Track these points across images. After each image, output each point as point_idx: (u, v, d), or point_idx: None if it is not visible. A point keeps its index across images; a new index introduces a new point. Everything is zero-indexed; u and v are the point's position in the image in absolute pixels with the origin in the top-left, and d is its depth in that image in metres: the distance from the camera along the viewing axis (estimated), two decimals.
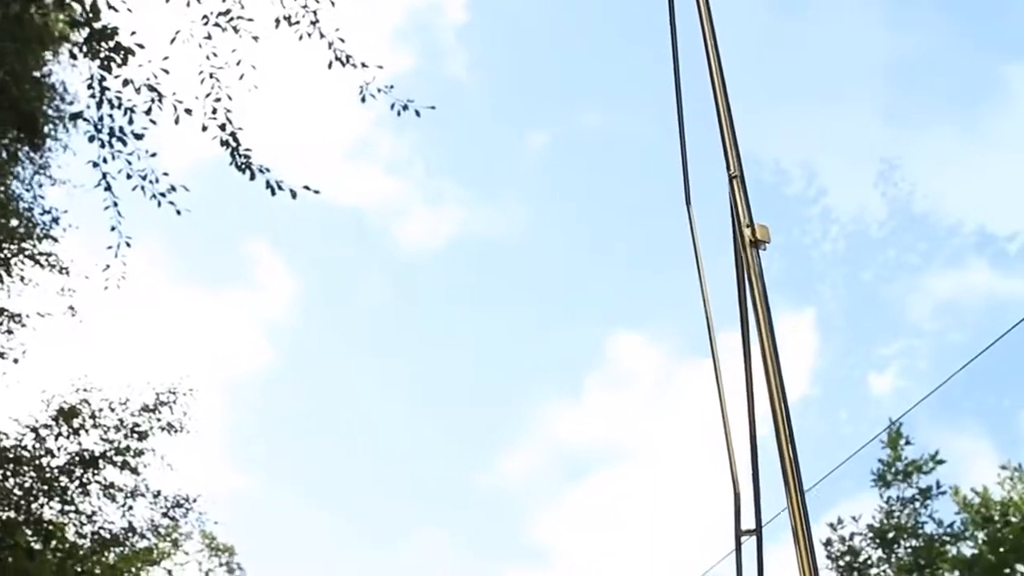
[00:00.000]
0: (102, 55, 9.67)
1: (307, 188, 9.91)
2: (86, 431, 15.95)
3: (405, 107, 10.26)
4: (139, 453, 16.35)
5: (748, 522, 2.91)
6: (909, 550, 20.24)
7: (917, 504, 20.48)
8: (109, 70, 9.72)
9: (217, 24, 10.04)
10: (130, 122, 9.97)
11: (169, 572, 20.77)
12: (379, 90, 10.30)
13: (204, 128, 9.94)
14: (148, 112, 9.88)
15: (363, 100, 10.36)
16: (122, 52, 9.62)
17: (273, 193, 9.84)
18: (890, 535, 20.31)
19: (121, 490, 16.33)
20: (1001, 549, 19.31)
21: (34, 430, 15.52)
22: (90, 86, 9.93)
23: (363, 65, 10.26)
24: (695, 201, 2.94)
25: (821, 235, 21.50)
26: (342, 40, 10.23)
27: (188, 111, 9.90)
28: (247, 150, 9.95)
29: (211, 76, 10.06)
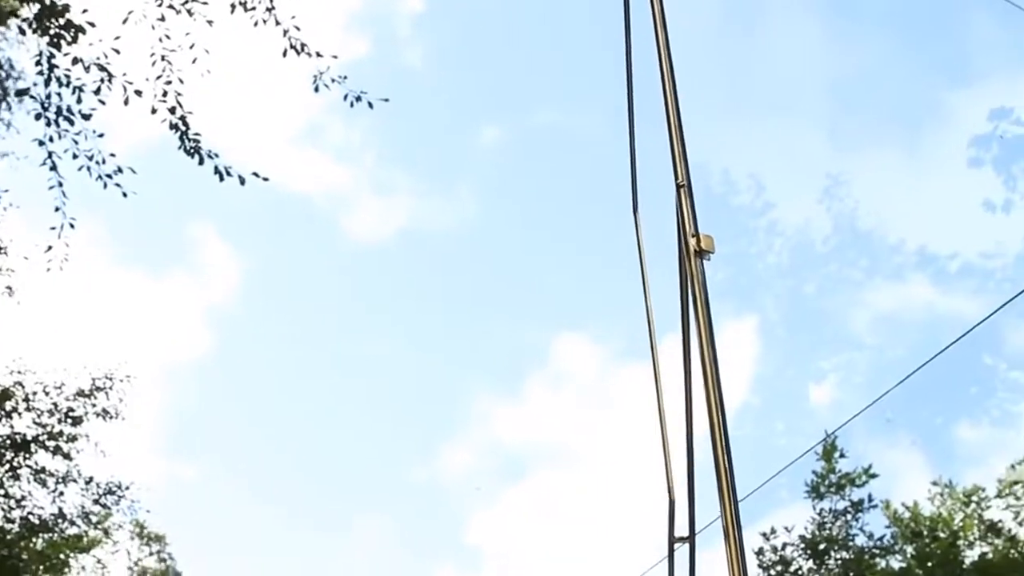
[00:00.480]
0: (52, 32, 9.52)
1: (256, 175, 9.84)
2: (19, 414, 15.71)
3: (358, 98, 10.21)
4: (72, 438, 16.14)
5: (682, 529, 2.92)
6: (839, 562, 20.46)
7: (849, 516, 20.72)
8: (59, 47, 9.58)
9: (171, 6, 9.93)
10: (78, 101, 9.82)
11: (99, 560, 20.53)
12: (333, 80, 10.24)
13: (154, 111, 9.83)
14: (97, 92, 9.74)
15: (316, 90, 10.30)
16: (73, 30, 9.48)
17: (221, 179, 9.75)
18: (821, 546, 20.53)
19: (52, 475, 16.11)
20: (929, 564, 19.59)
21: None
22: (38, 63, 9.78)
23: (318, 55, 10.20)
24: (642, 207, 2.95)
25: (766, 247, 21.73)
26: (297, 28, 10.16)
27: (138, 93, 9.77)
28: (196, 134, 9.85)
29: (163, 59, 9.94)
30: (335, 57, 10.30)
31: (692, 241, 2.21)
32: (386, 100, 10.36)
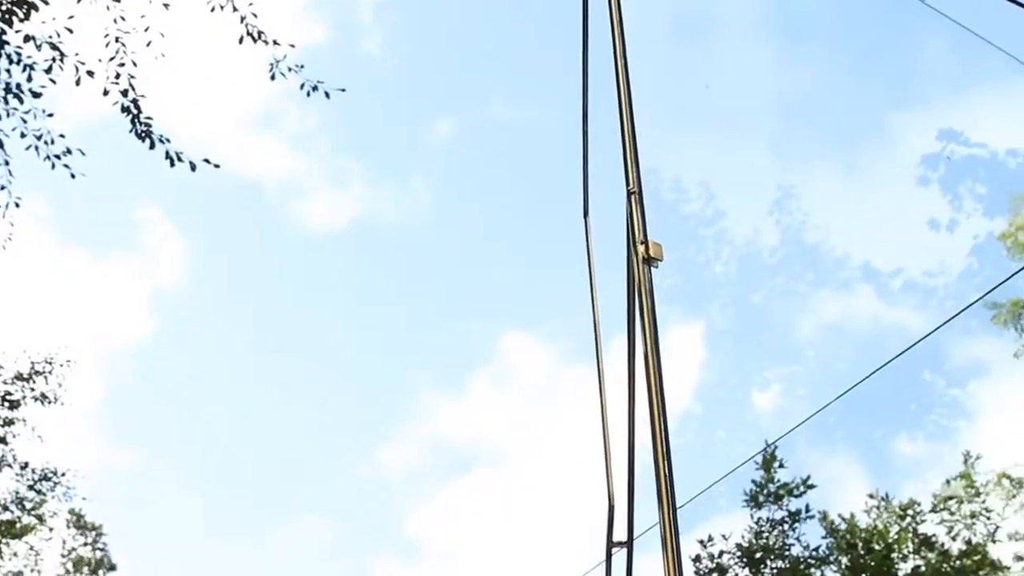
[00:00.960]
0: (4, 7, 9.37)
1: (207, 162, 9.74)
2: None
3: (315, 88, 10.13)
4: (8, 422, 15.91)
5: (621, 533, 2.93)
6: (775, 571, 20.63)
7: (786, 526, 20.90)
8: (10, 24, 9.43)
9: None
10: (29, 79, 9.67)
11: (31, 548, 20.22)
12: (290, 69, 10.16)
13: (106, 92, 9.70)
14: (48, 71, 9.60)
15: (272, 78, 10.22)
16: (25, 6, 9.34)
17: (172, 164, 9.64)
18: (758, 555, 20.69)
19: None
20: (862, 575, 19.80)
21: None
22: None
23: (275, 43, 10.11)
24: (594, 210, 2.95)
25: (715, 256, 21.87)
26: (255, 15, 10.07)
27: (90, 73, 9.64)
28: (148, 118, 9.73)
29: (117, 40, 9.81)
30: (292, 46, 10.23)
31: (641, 248, 2.21)
32: (342, 90, 10.29)
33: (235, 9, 10.02)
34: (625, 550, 2.94)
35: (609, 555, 3.02)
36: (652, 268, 2.24)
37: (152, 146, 9.62)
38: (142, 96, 9.74)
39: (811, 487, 20.91)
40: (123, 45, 9.80)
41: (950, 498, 19.92)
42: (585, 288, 2.87)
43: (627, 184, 2.29)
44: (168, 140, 9.68)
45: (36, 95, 9.71)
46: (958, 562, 19.41)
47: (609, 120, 2.52)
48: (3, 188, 10.11)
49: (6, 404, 15.72)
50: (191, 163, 9.61)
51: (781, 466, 21.07)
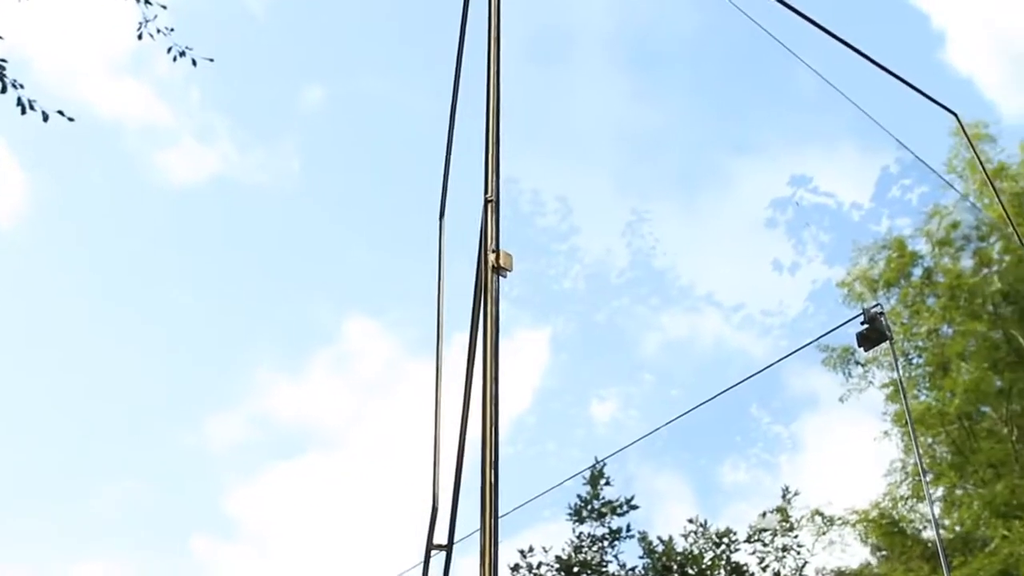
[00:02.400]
0: None
1: (61, 114, 9.41)
2: None
3: (183, 53, 9.91)
4: None
5: (441, 536, 2.92)
6: None
7: (606, 543, 21.24)
8: None
9: None
10: None
11: None
12: (159, 31, 9.92)
13: None
14: None
15: (140, 38, 9.96)
16: None
17: (24, 112, 9.29)
18: (575, 569, 20.96)
19: None
20: None
21: None
22: None
23: (147, 2, 9.85)
24: (453, 211, 2.95)
25: (564, 271, 22.09)
26: None
27: None
28: (2, 60, 9.36)
29: None
30: (164, 7, 9.97)
31: (492, 257, 2.22)
32: (211, 60, 10.10)
33: None
34: (444, 553, 2.93)
35: (428, 557, 3.01)
36: (501, 277, 2.25)
37: (3, 89, 9.26)
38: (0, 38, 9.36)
39: (634, 507, 21.30)
40: None
41: (764, 530, 20.53)
42: (434, 284, 2.87)
43: (485, 192, 2.30)
44: (22, 85, 9.33)
45: None
46: None
47: (477, 124, 2.52)
48: None
49: None
50: (44, 113, 9.28)
51: (608, 483, 21.42)
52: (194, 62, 9.87)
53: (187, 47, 9.86)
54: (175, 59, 9.86)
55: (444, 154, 2.88)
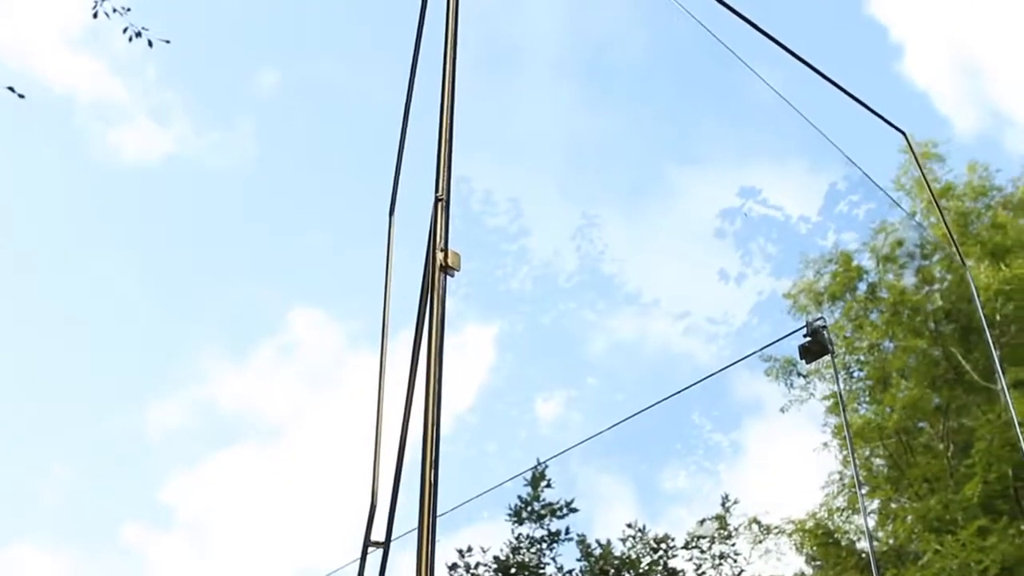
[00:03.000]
0: None
1: (11, 90, 9.25)
2: None
3: (139, 34, 9.76)
4: None
5: (379, 533, 2.91)
6: None
7: (544, 545, 21.28)
8: None
9: None
10: None
11: None
12: (115, 10, 9.76)
13: None
14: None
15: (95, 16, 9.81)
16: None
17: None
18: (512, 571, 20.98)
19: None
20: None
21: None
22: None
23: None
24: (404, 208, 2.94)
25: (513, 272, 22.11)
26: None
27: None
28: None
29: None
30: None
31: (440, 255, 2.22)
32: (167, 42, 9.96)
33: None
34: (381, 551, 2.93)
35: (364, 553, 3.00)
36: (448, 276, 2.25)
37: None
38: None
39: (574, 510, 21.36)
40: None
41: (702, 537, 20.67)
42: (382, 278, 2.86)
43: (436, 190, 2.30)
44: None
45: None
46: None
47: (430, 122, 2.52)
48: None
49: None
50: None
51: (549, 485, 21.45)
52: (150, 43, 9.73)
53: (143, 27, 9.73)
54: (131, 39, 9.72)
55: (396, 151, 2.88)
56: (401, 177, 2.95)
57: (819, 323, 4.20)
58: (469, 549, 21.11)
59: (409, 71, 2.95)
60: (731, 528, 20.31)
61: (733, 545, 20.31)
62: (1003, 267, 16.84)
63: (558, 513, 21.51)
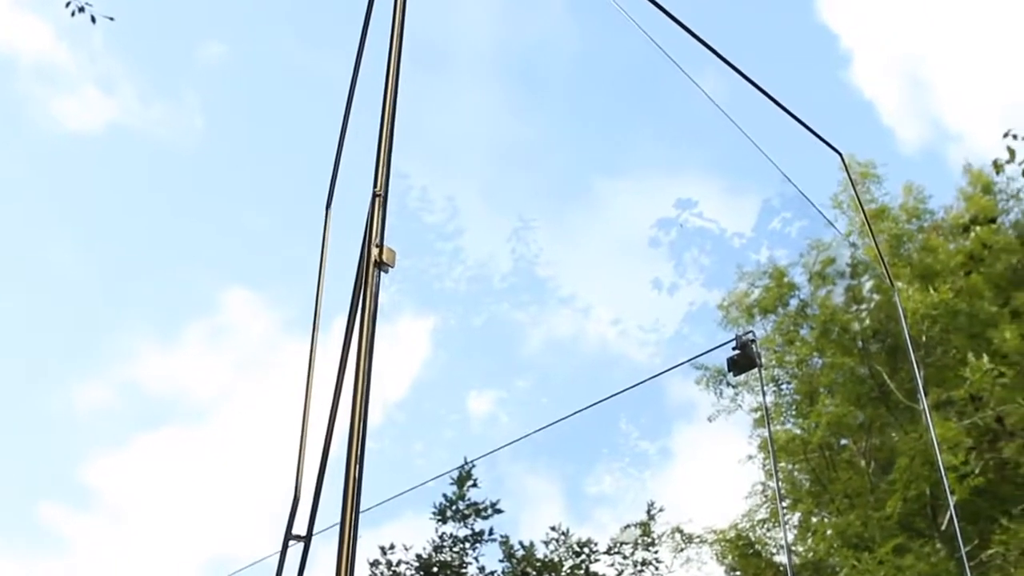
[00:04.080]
0: None
1: None
2: None
3: (82, 9, 9.58)
4: None
5: (301, 527, 2.90)
6: None
7: (467, 545, 21.28)
8: None
9: None
10: None
11: None
12: None
13: None
14: None
15: None
16: None
17: None
18: (434, 569, 20.95)
19: None
20: None
21: None
22: None
23: None
24: (338, 202, 2.93)
25: (447, 270, 22.08)
26: None
27: None
28: None
29: None
30: None
31: (375, 251, 2.21)
32: (111, 19, 9.80)
33: None
34: (302, 545, 2.91)
35: (285, 547, 2.98)
36: (383, 273, 2.24)
37: None
38: None
39: (499, 511, 21.38)
40: None
41: (625, 543, 20.80)
42: (316, 266, 2.85)
43: (374, 185, 2.29)
44: None
45: None
46: None
47: (373, 112, 2.51)
48: None
49: None
50: None
51: (475, 485, 21.46)
52: (93, 19, 9.57)
53: (87, 2, 9.54)
54: (72, 14, 9.55)
55: (337, 143, 2.86)
56: (340, 168, 2.93)
57: (748, 336, 4.25)
58: (391, 546, 21.06)
59: (354, 60, 2.94)
60: (654, 535, 20.46)
61: (655, 552, 20.44)
62: (931, 291, 17.16)
63: (483, 513, 21.52)
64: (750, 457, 18.30)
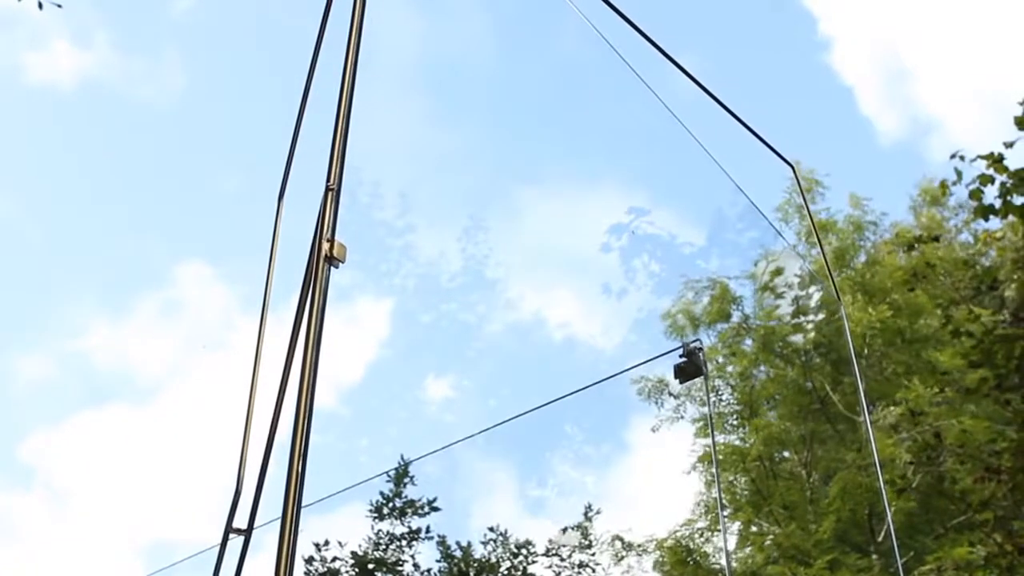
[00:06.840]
0: None
1: None
2: None
3: None
4: None
5: (241, 521, 2.87)
6: None
7: (404, 543, 21.21)
8: None
9: None
10: None
11: None
12: None
13: None
14: None
15: None
16: None
17: None
18: (370, 566, 20.87)
19: None
20: None
21: None
22: None
23: None
24: (291, 193, 2.90)
25: (396, 267, 22.05)
26: None
27: None
28: None
29: None
30: None
31: (326, 246, 2.20)
32: (59, 6, 9.64)
33: None
34: (242, 539, 2.87)
35: (225, 540, 2.94)
36: (333, 268, 2.22)
37: None
38: None
39: (436, 509, 21.32)
40: None
41: (563, 545, 20.84)
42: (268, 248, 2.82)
43: (328, 179, 2.27)
44: None
45: None
46: None
47: (329, 105, 2.48)
48: None
49: None
50: None
51: (412, 483, 21.39)
52: (40, 5, 9.41)
53: None
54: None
55: (291, 135, 2.83)
56: (294, 160, 2.90)
57: (695, 345, 4.26)
58: (326, 543, 20.93)
59: (312, 50, 2.91)
60: (592, 538, 20.51)
61: (593, 555, 20.51)
62: (873, 306, 17.33)
63: (420, 511, 21.47)
64: (692, 466, 18.41)
